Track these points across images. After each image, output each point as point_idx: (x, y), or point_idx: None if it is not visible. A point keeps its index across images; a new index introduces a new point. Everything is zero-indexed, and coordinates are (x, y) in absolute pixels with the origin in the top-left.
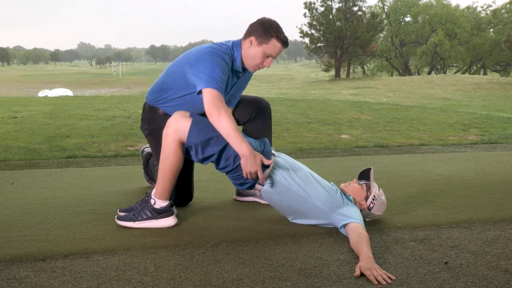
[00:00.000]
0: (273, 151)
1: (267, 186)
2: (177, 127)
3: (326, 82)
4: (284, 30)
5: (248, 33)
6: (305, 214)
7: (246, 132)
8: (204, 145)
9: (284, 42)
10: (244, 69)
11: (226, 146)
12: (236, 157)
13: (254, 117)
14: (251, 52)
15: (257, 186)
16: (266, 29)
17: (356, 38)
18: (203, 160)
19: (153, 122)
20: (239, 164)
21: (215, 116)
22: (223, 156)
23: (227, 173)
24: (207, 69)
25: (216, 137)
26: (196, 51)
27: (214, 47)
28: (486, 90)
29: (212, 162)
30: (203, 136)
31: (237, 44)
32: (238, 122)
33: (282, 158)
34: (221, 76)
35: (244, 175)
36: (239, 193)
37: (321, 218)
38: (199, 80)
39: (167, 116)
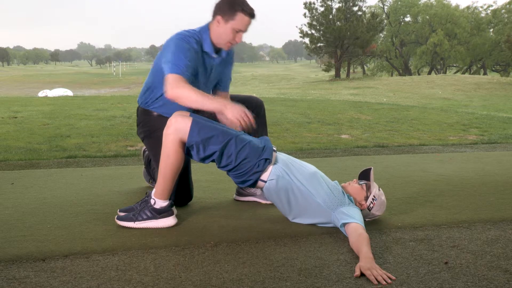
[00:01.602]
0: (274, 148)
1: (268, 182)
2: (178, 126)
3: (326, 82)
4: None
5: (214, 13)
6: (306, 211)
7: None
8: (205, 144)
9: (251, 14)
10: (219, 50)
11: (227, 143)
12: (239, 153)
13: None
14: (220, 30)
15: (259, 183)
16: (230, 5)
17: (356, 38)
18: (204, 159)
19: (147, 124)
20: (242, 161)
21: (179, 90)
22: (224, 154)
23: (229, 171)
24: (172, 55)
25: (217, 135)
26: (166, 40)
27: (180, 33)
28: (486, 90)
29: (213, 161)
30: (204, 134)
31: (204, 27)
32: None
33: (283, 155)
34: (184, 61)
35: (235, 122)
36: (239, 193)
37: (322, 216)
38: (166, 68)
39: (160, 117)
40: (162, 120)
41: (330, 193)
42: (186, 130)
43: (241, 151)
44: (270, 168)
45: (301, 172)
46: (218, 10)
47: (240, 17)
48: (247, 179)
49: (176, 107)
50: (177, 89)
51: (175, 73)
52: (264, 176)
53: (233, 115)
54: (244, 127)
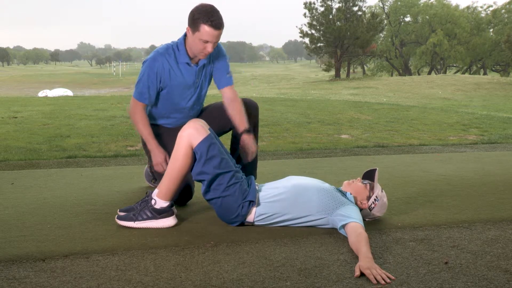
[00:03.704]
0: (256, 186)
1: (256, 222)
2: (194, 132)
3: (326, 82)
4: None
5: (187, 24)
6: (303, 224)
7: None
8: (207, 159)
9: (214, 25)
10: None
11: (226, 173)
12: (229, 187)
13: None
14: (190, 41)
15: (246, 223)
16: (195, 17)
17: (356, 38)
18: (199, 174)
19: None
20: (227, 195)
21: (133, 114)
22: (217, 180)
23: (212, 199)
24: (138, 81)
25: (221, 161)
26: (143, 62)
27: (156, 52)
28: (486, 90)
29: (203, 181)
30: (211, 152)
31: (182, 38)
32: (229, 125)
33: (265, 188)
34: (145, 85)
35: (154, 165)
36: None
37: (320, 225)
38: (134, 89)
39: (162, 127)
40: (163, 129)
41: (322, 199)
42: (199, 138)
43: (232, 186)
44: (254, 210)
45: (287, 200)
46: (188, 21)
47: (203, 29)
48: (234, 221)
49: (175, 121)
50: (132, 112)
51: (134, 97)
52: (250, 218)
53: (154, 160)
54: (161, 172)
